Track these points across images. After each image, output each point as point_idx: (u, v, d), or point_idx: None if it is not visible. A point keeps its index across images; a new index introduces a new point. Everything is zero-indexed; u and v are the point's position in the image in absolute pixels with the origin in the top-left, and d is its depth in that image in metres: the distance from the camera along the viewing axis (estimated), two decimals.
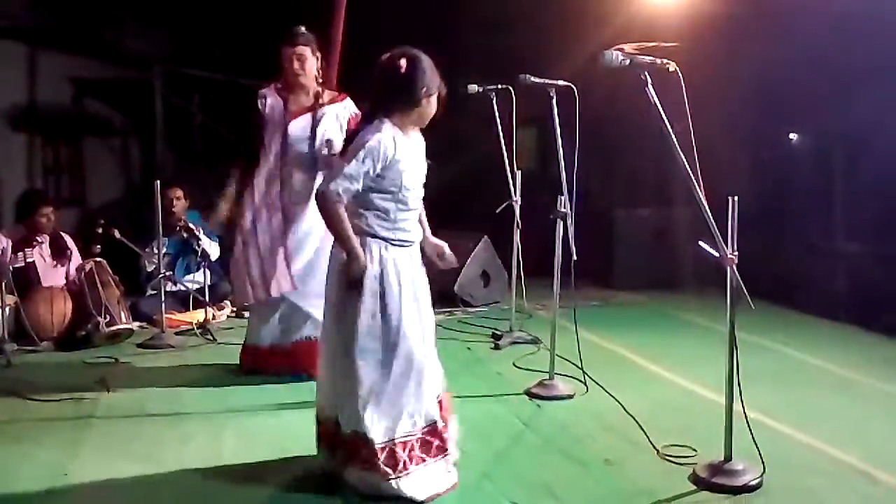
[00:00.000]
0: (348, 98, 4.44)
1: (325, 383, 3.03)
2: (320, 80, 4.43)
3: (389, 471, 2.83)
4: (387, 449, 2.84)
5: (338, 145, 4.09)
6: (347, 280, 2.84)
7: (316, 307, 3.84)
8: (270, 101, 4.41)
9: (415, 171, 2.95)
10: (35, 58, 7.55)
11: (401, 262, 2.92)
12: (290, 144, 4.30)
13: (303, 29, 4.41)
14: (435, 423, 2.95)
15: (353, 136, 2.90)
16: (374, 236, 2.88)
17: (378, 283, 2.86)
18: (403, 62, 2.86)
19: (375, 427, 2.83)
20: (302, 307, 4.31)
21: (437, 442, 2.96)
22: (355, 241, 2.84)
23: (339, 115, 4.38)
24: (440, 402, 3.01)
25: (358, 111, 4.15)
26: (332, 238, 2.98)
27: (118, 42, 7.87)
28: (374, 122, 2.87)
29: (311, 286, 4.17)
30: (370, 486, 2.86)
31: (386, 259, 2.88)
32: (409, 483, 2.84)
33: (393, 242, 2.91)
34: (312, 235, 4.29)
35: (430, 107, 2.94)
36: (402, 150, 2.85)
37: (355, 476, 2.88)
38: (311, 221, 4.23)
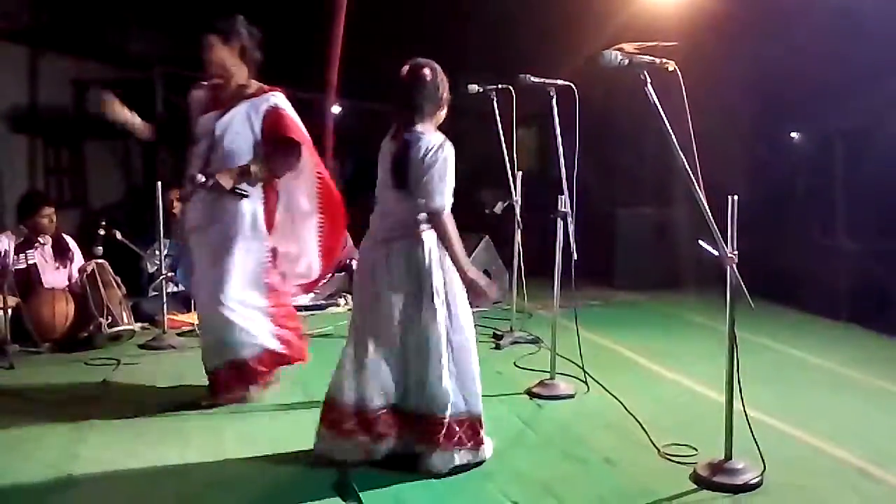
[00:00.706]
0: (278, 93, 3.99)
1: (386, 373, 3.15)
2: (246, 73, 4.01)
3: (469, 441, 3.16)
4: (466, 422, 3.16)
5: (245, 144, 3.89)
6: (480, 298, 3.23)
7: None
8: (198, 93, 4.08)
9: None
10: (36, 60, 7.57)
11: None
12: (198, 139, 3.96)
13: (232, 18, 4.07)
14: None
15: (404, 149, 3.09)
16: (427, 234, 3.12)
17: (442, 275, 3.11)
18: (428, 71, 3.14)
19: (459, 404, 3.15)
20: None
21: None
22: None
23: (256, 109, 3.90)
24: None
25: (286, 107, 3.95)
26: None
27: (119, 44, 7.89)
28: (416, 131, 3.11)
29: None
30: (452, 460, 3.13)
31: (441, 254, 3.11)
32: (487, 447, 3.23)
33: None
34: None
35: (445, 110, 3.22)
36: None
37: (440, 454, 3.12)
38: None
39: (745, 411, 3.03)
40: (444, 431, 3.10)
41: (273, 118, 3.91)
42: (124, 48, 7.85)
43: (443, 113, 3.22)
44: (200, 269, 3.99)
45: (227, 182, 3.80)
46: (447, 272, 3.14)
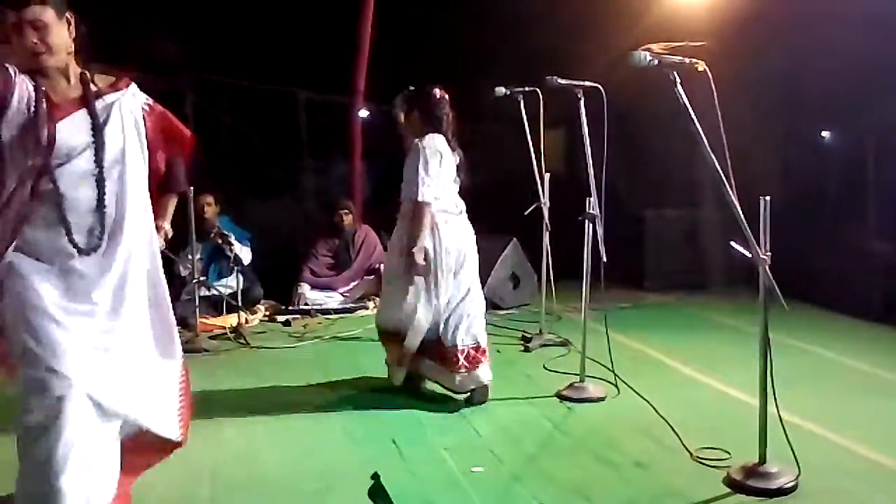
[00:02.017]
0: (133, 84, 2.82)
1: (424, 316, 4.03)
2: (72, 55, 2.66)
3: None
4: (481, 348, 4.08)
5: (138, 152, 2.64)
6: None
7: None
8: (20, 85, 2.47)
9: None
10: None
11: None
12: (59, 151, 2.45)
13: None
14: None
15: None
16: None
17: None
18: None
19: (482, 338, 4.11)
20: None
21: None
22: None
23: (129, 109, 2.69)
24: None
25: (150, 101, 2.83)
26: None
27: (147, 50, 7.99)
28: None
29: None
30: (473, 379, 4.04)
31: None
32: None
33: None
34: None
35: None
36: None
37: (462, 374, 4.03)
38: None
39: (779, 414, 3.00)
40: None
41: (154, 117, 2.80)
42: (152, 54, 7.95)
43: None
44: None
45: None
46: None
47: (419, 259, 3.97)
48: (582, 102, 4.21)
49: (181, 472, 3.21)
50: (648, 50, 2.97)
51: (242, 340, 5.45)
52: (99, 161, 2.49)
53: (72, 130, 2.49)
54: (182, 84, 8.13)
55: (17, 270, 2.39)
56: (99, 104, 2.60)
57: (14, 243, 2.41)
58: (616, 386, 4.24)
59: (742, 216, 2.97)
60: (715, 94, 2.97)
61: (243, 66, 8.53)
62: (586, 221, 4.20)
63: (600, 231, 4.17)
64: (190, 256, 5.57)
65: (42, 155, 2.41)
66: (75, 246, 2.43)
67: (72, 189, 2.45)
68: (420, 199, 3.99)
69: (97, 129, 2.53)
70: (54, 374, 2.29)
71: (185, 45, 8.28)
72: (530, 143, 5.16)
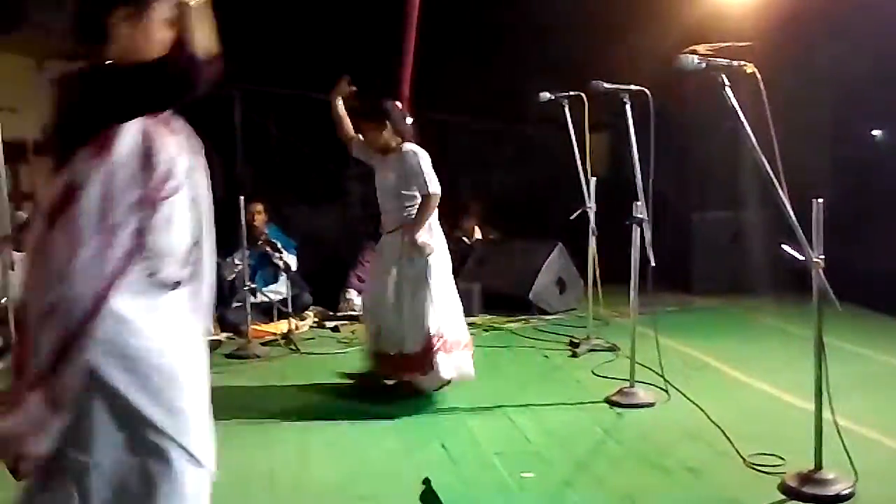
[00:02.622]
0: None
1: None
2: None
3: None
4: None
5: None
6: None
7: None
8: None
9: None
10: None
11: None
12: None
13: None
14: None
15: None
16: None
17: None
18: None
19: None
20: None
21: None
22: None
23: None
24: None
25: None
26: None
27: None
28: None
29: None
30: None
31: None
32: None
33: None
34: None
35: None
36: None
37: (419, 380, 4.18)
38: None
39: (834, 420, 2.96)
40: None
41: None
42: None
43: None
44: None
45: None
46: None
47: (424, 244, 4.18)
48: (628, 106, 4.20)
49: (238, 475, 3.27)
50: (694, 52, 2.96)
51: (293, 346, 5.53)
52: None
53: None
54: (231, 96, 8.29)
55: None
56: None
57: None
58: (666, 391, 4.21)
59: (793, 218, 2.94)
60: (764, 95, 2.95)
61: (290, 76, 8.66)
62: (634, 225, 4.18)
63: (648, 235, 4.15)
64: (237, 262, 5.68)
65: None
66: None
67: None
68: (437, 190, 4.21)
69: None
70: None
71: (234, 56, 8.43)
72: (575, 148, 5.15)
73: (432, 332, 4.10)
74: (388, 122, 4.29)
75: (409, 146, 4.30)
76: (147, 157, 1.95)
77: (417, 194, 4.24)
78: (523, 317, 6.37)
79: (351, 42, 8.45)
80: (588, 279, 5.45)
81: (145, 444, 1.91)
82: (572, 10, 7.95)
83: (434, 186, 4.20)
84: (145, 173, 1.93)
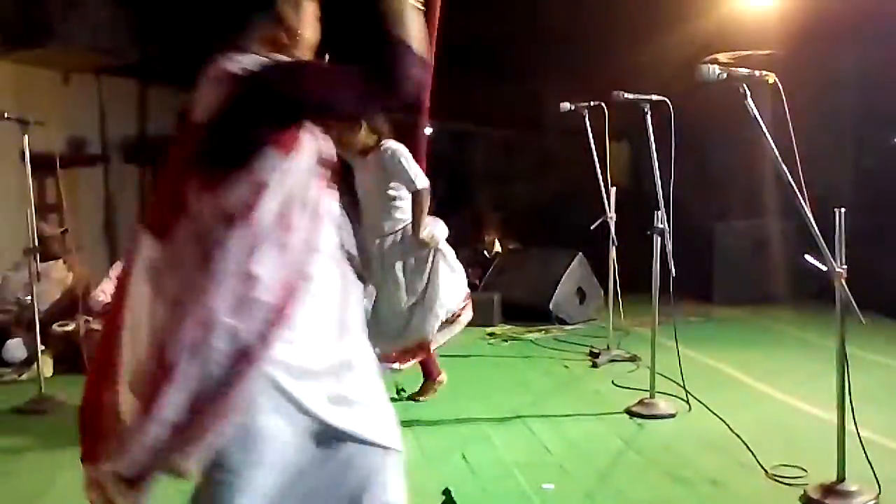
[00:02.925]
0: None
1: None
2: None
3: None
4: None
5: None
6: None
7: None
8: None
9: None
10: (145, 92, 8.00)
11: None
12: None
13: None
14: None
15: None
16: None
17: None
18: None
19: None
20: None
21: None
22: None
23: None
24: None
25: None
26: None
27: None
28: None
29: None
30: None
31: None
32: None
33: None
34: None
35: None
36: None
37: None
38: None
39: (857, 431, 2.93)
40: None
41: None
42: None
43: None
44: None
45: None
46: None
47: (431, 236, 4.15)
48: (648, 116, 4.20)
49: None
50: (715, 61, 2.97)
51: None
52: None
53: None
54: None
55: None
56: None
57: None
58: (687, 402, 4.18)
59: (816, 228, 2.92)
60: (786, 105, 2.94)
61: None
62: (655, 235, 4.17)
63: (669, 244, 4.14)
64: None
65: None
66: None
67: None
68: (426, 184, 4.12)
69: None
70: None
71: None
72: (596, 158, 5.15)
73: (442, 316, 4.18)
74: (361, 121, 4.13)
75: (388, 143, 4.18)
76: (319, 155, 1.86)
77: (403, 193, 4.17)
78: (543, 327, 6.37)
79: (365, 48, 8.51)
80: (608, 289, 5.44)
81: (321, 438, 1.84)
82: (592, 18, 7.96)
83: (422, 181, 4.09)
84: (316, 171, 1.85)
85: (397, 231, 4.20)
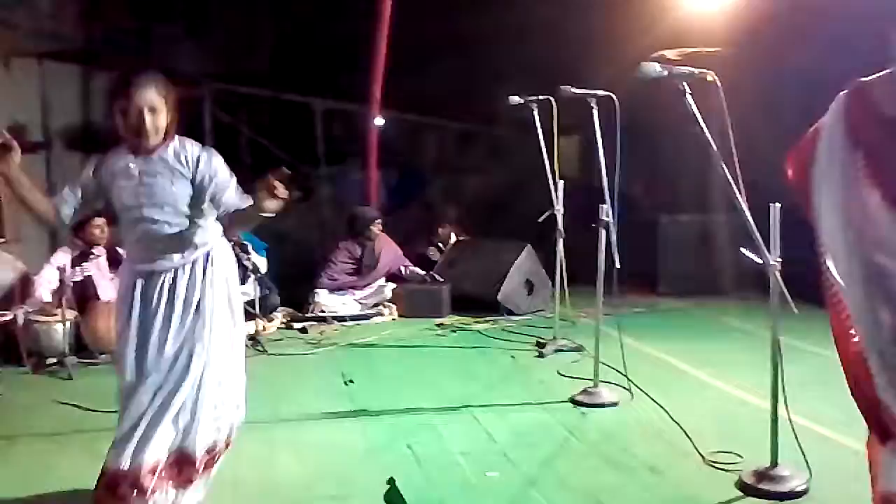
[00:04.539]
0: None
1: None
2: None
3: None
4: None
5: None
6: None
7: None
8: None
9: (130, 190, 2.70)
10: (88, 79, 7.82)
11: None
12: None
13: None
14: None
15: None
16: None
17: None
18: None
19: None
20: None
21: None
22: None
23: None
24: None
25: None
26: None
27: (168, 61, 8.12)
28: None
29: None
30: None
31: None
32: None
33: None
34: None
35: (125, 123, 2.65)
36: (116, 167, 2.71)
37: None
38: None
39: (789, 417, 3.03)
40: None
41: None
42: (173, 65, 8.08)
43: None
44: None
45: None
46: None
47: None
48: (595, 111, 4.26)
49: None
50: (662, 57, 3.03)
51: (260, 347, 5.52)
52: None
53: None
54: (201, 94, 8.25)
55: None
56: None
57: None
58: (630, 391, 4.27)
59: (752, 222, 3.01)
60: (724, 102, 3.01)
61: (262, 77, 8.63)
62: (600, 228, 4.24)
63: (613, 237, 4.21)
64: None
65: None
66: None
67: None
68: None
69: None
70: None
71: (206, 55, 8.40)
72: (544, 151, 5.20)
73: None
74: None
75: None
76: None
77: None
78: (492, 318, 6.42)
79: (323, 42, 8.46)
80: (556, 281, 5.50)
81: None
82: (546, 14, 8.03)
83: None
84: None
85: None
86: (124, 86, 2.63)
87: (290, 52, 8.77)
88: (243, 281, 6.14)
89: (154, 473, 2.60)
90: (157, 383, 2.65)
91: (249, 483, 3.25)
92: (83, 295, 5.46)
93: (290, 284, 6.79)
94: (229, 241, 5.95)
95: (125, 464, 2.57)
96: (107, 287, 5.59)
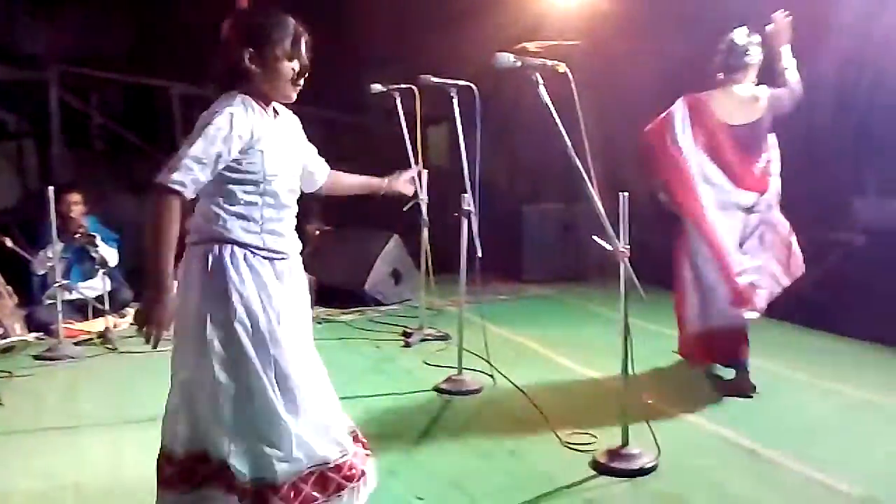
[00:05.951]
0: None
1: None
2: None
3: None
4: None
5: None
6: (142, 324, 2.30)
7: None
8: None
9: (282, 156, 2.41)
10: None
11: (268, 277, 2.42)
12: None
13: None
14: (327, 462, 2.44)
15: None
16: (235, 242, 2.34)
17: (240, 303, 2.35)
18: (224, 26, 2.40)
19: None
20: None
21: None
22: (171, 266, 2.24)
23: None
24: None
25: None
26: None
27: (11, 41, 7.57)
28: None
29: None
30: None
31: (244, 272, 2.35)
32: None
33: (258, 251, 2.39)
34: None
35: (287, 71, 2.41)
36: (261, 127, 2.33)
37: None
38: None
39: (641, 398, 3.16)
40: None
41: None
42: (16, 45, 7.53)
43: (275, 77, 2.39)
44: None
45: None
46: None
47: None
48: (456, 101, 4.28)
49: (43, 485, 3.09)
50: (524, 49, 3.06)
51: (110, 345, 5.23)
52: None
53: None
54: (47, 77, 7.73)
55: None
56: None
57: None
58: (493, 377, 4.33)
59: (603, 211, 3.11)
60: (575, 93, 3.08)
61: (114, 59, 8.19)
62: (462, 217, 4.27)
63: (475, 226, 4.25)
64: (49, 255, 5.29)
65: None
66: None
67: None
68: None
69: None
70: None
71: (52, 36, 7.88)
72: (407, 139, 5.18)
73: None
74: None
75: None
76: None
77: None
78: (358, 308, 6.36)
79: (181, 27, 8.10)
80: (421, 270, 5.51)
81: None
82: (414, 2, 8.00)
83: None
84: None
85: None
86: (301, 33, 2.46)
87: (149, 35, 8.35)
88: (91, 275, 5.80)
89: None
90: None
91: (94, 487, 3.09)
92: None
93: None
94: (75, 232, 5.68)
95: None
96: None
